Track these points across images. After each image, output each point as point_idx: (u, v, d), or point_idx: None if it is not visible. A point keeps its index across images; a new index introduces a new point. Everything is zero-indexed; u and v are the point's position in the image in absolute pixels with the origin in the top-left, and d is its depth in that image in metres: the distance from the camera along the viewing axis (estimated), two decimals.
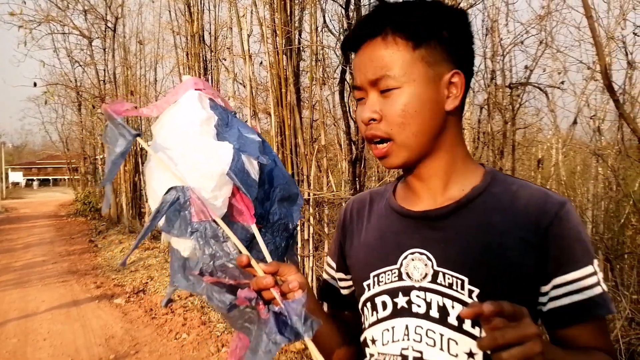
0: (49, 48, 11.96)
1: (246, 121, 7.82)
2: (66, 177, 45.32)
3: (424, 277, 0.90)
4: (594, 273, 0.86)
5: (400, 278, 0.92)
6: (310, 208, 5.01)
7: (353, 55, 0.94)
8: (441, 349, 0.86)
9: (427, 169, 0.94)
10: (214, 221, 0.88)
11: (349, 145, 6.49)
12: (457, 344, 0.85)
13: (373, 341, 0.95)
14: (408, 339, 0.89)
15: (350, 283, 1.08)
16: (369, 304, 0.97)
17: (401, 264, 0.93)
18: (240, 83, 8.37)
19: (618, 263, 4.55)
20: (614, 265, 4.45)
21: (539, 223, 0.86)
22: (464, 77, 0.90)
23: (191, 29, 8.34)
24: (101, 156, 12.45)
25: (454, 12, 0.93)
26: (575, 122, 6.11)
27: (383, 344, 0.93)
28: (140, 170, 11.46)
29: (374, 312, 0.95)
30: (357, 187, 6.42)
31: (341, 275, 1.10)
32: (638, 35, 4.17)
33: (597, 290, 0.85)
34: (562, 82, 5.31)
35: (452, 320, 0.86)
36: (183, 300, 5.57)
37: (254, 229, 0.92)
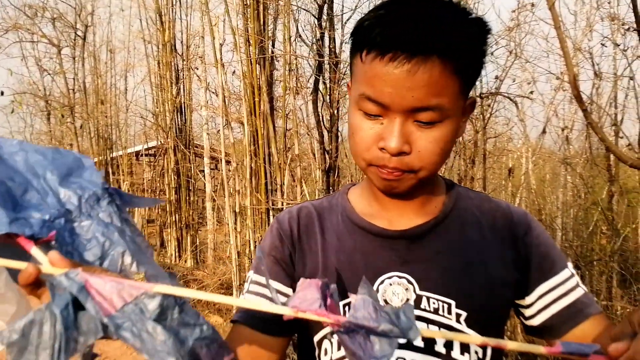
0: (17, 56, 11.70)
1: (218, 131, 7.77)
2: None
3: (405, 303, 0.77)
4: (573, 275, 0.84)
5: None
6: None
7: (368, 58, 0.74)
8: None
9: (415, 193, 0.85)
10: None
11: (322, 155, 6.51)
12: None
13: None
14: None
15: None
16: (336, 337, 0.82)
17: (377, 290, 0.82)
18: (213, 92, 8.33)
19: (587, 270, 4.63)
20: (584, 272, 4.53)
21: (514, 234, 0.84)
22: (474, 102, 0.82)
23: (162, 38, 8.29)
24: None
25: (487, 33, 0.77)
26: (544, 132, 6.24)
27: None
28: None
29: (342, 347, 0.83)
30: None
31: (290, 292, 0.89)
32: (606, 46, 4.28)
33: (579, 291, 0.83)
34: (532, 92, 5.42)
35: (440, 348, 0.78)
36: None
37: (35, 252, 0.59)
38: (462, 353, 0.78)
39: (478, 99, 4.48)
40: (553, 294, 0.82)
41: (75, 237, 0.64)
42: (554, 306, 0.81)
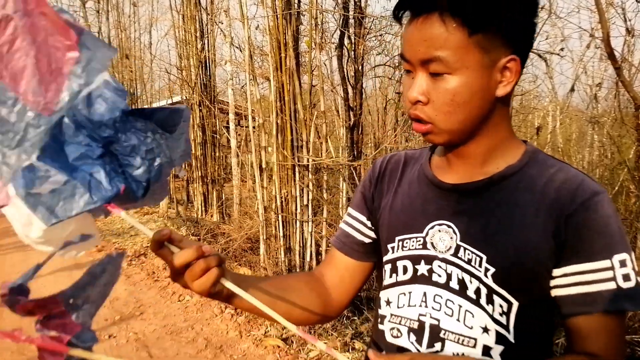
0: None
1: (242, 87, 7.70)
2: None
3: (448, 250, 0.90)
4: (610, 268, 0.81)
5: (424, 247, 0.93)
6: (310, 174, 5.05)
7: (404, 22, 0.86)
8: (458, 319, 0.88)
9: (467, 149, 0.91)
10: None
11: (347, 112, 6.50)
12: (473, 316, 0.87)
13: (388, 302, 0.98)
14: (426, 306, 0.91)
15: (373, 234, 1.07)
16: (389, 266, 0.98)
17: (427, 233, 0.94)
18: (237, 47, 8.31)
19: None
20: None
21: (562, 208, 0.84)
22: (520, 62, 0.84)
23: None
24: None
25: None
26: (572, 89, 6.15)
27: (398, 307, 0.95)
28: None
29: (393, 274, 0.97)
30: (355, 153, 6.45)
31: (369, 224, 1.08)
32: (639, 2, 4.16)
33: (609, 285, 0.80)
34: (562, 49, 5.33)
35: (471, 293, 0.87)
36: None
37: (125, 216, 0.74)
38: (487, 303, 0.86)
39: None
40: (577, 277, 0.82)
41: (120, 157, 0.75)
42: (571, 288, 0.83)
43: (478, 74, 0.82)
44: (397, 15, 0.86)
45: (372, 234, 1.07)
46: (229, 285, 0.81)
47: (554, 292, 0.85)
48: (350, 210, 1.11)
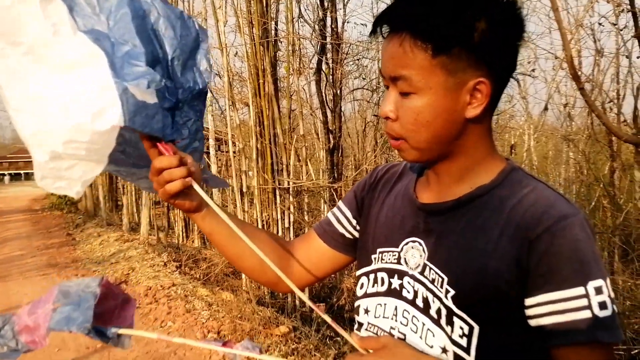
0: None
1: (221, 112, 7.74)
2: None
3: (417, 267, 0.91)
4: (584, 296, 0.76)
5: (398, 262, 0.95)
6: (291, 197, 5.09)
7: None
8: (421, 337, 0.88)
9: (442, 166, 0.91)
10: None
11: (326, 135, 6.56)
12: (434, 336, 0.87)
13: (366, 311, 0.99)
14: (396, 320, 0.93)
15: (355, 232, 1.10)
16: (372, 276, 1.00)
17: (402, 249, 0.95)
18: (216, 74, 8.36)
19: None
20: None
21: (527, 234, 0.80)
22: (490, 86, 0.82)
23: None
24: None
25: (499, 6, 0.82)
26: (546, 109, 6.30)
27: (375, 317, 0.97)
28: None
29: (375, 284, 0.99)
30: (335, 175, 6.50)
31: (354, 222, 1.10)
32: (603, 25, 4.32)
33: (584, 314, 0.75)
34: (533, 70, 5.47)
35: (433, 312, 0.87)
36: (166, 289, 5.63)
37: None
38: (447, 324, 0.85)
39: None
40: (549, 307, 0.78)
41: (175, 124, 0.89)
42: (545, 318, 0.79)
43: (441, 95, 0.82)
44: (373, 33, 0.87)
45: (354, 232, 1.10)
46: (198, 189, 0.92)
47: (531, 323, 0.80)
48: (339, 204, 1.15)
